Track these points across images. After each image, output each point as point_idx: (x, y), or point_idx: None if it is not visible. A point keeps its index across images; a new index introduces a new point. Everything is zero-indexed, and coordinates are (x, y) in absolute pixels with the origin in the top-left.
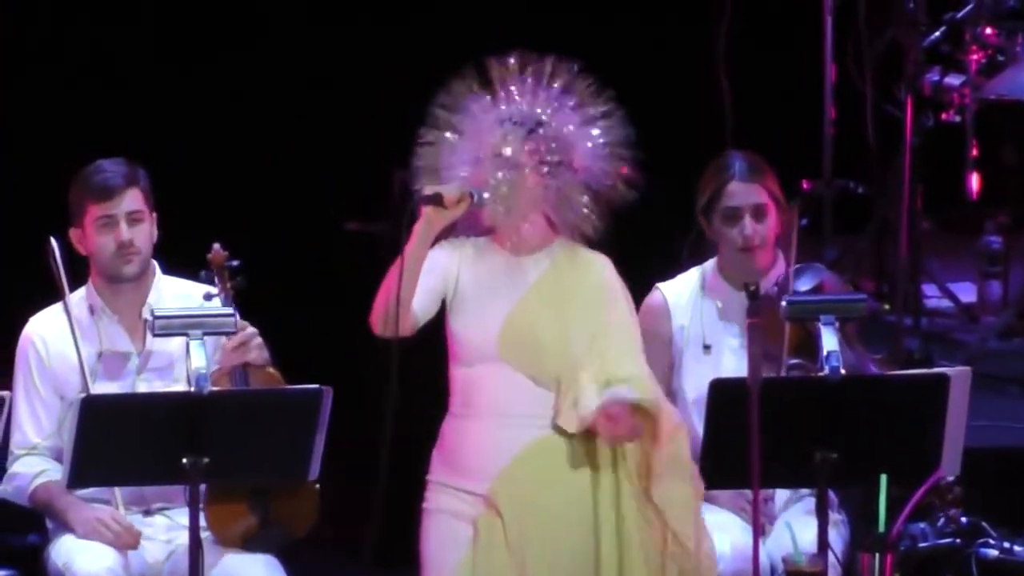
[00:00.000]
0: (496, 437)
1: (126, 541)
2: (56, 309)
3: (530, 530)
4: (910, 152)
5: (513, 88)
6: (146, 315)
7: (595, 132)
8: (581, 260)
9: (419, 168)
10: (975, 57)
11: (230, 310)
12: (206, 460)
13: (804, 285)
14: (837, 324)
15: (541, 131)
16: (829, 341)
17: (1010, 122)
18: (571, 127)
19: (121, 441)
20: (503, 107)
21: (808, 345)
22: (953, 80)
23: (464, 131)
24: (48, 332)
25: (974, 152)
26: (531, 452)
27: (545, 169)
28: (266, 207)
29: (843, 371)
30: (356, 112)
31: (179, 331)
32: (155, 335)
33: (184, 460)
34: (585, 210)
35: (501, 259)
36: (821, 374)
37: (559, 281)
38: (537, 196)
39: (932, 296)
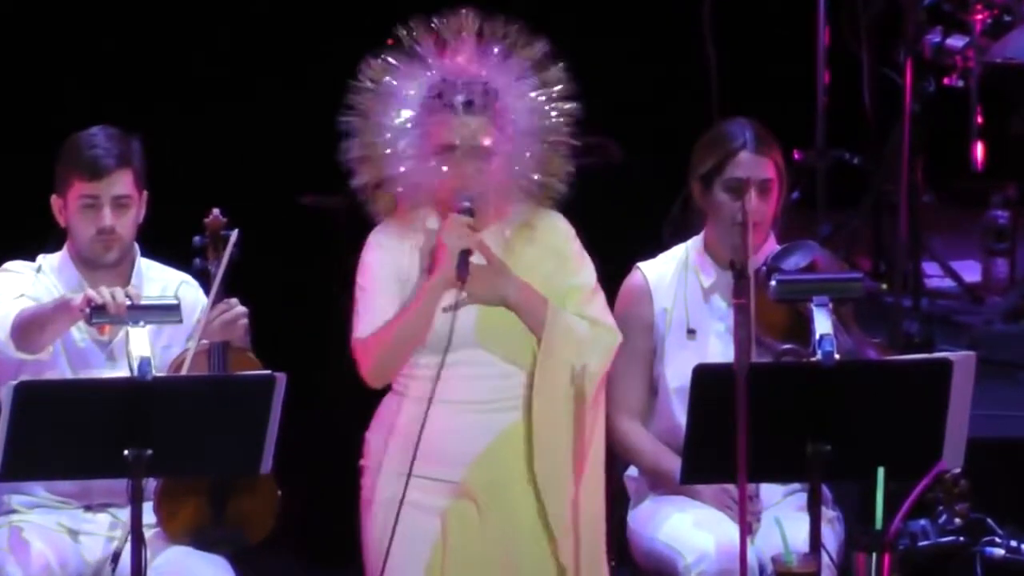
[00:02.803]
0: (468, 422)
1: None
2: None
3: (505, 517)
4: (910, 120)
5: (442, 51)
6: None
7: (533, 87)
8: (540, 225)
9: (354, 160)
10: (980, 17)
11: (175, 301)
12: (149, 452)
13: (796, 263)
14: (831, 305)
15: (486, 101)
16: (822, 324)
17: (1018, 87)
18: (511, 84)
19: (58, 431)
20: (435, 75)
21: (801, 329)
22: (956, 42)
23: (400, 114)
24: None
25: (979, 120)
26: (505, 437)
27: (509, 146)
28: (218, 180)
29: (837, 356)
30: (310, 83)
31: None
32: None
33: (126, 452)
34: (542, 174)
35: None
36: (814, 359)
37: (523, 253)
38: (507, 176)
39: (933, 275)
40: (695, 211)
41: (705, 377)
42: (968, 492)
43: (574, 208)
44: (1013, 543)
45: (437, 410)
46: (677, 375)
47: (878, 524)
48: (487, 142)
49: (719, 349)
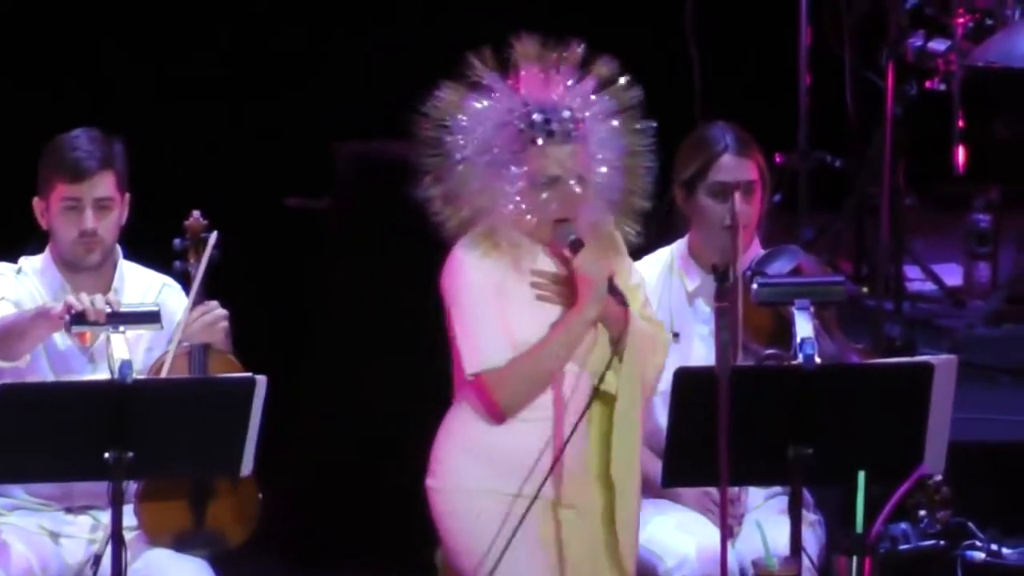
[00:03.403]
0: (548, 433)
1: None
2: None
3: (590, 523)
4: (892, 123)
5: (526, 80)
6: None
7: (609, 108)
8: (604, 237)
9: (439, 198)
10: (962, 21)
11: (155, 308)
12: (130, 454)
13: (780, 268)
14: (813, 309)
15: (573, 128)
16: (804, 327)
17: (999, 91)
18: (590, 107)
19: (39, 434)
20: (515, 105)
21: (784, 333)
22: (938, 45)
23: (486, 144)
24: None
25: (961, 123)
26: (583, 443)
27: (599, 170)
28: (204, 182)
29: (819, 360)
30: (298, 84)
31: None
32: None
33: (107, 455)
34: (627, 192)
35: (543, 257)
36: (795, 362)
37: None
38: (602, 200)
39: (915, 279)
40: (678, 215)
41: (687, 380)
42: (950, 499)
43: None
44: (994, 547)
45: (519, 425)
46: (661, 379)
47: (859, 528)
48: (584, 169)
49: (702, 352)
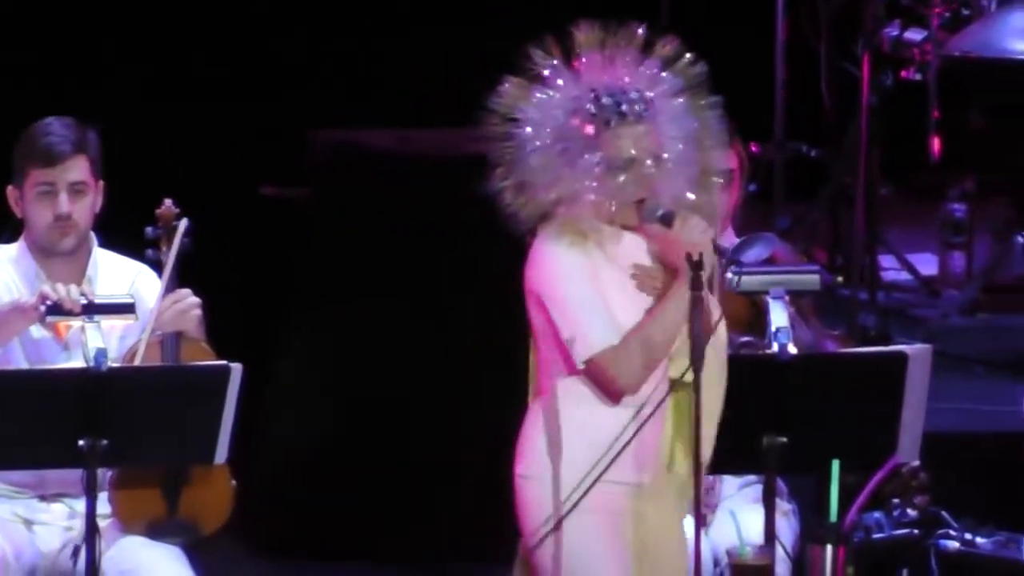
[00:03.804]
0: (654, 423)
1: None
2: None
3: (676, 510)
4: (867, 113)
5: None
6: (81, 289)
7: (676, 87)
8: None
9: (511, 187)
10: (938, 11)
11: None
12: (105, 442)
13: (754, 256)
14: (789, 298)
15: (643, 108)
16: (779, 316)
17: (975, 81)
18: (657, 87)
19: (13, 421)
20: (581, 91)
21: (760, 321)
22: (914, 35)
23: (559, 133)
24: None
25: (936, 113)
26: (668, 431)
27: (673, 149)
28: (180, 170)
29: (795, 349)
30: (273, 73)
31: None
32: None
33: (81, 442)
34: (702, 171)
35: (627, 240)
36: (769, 352)
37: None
38: (678, 178)
39: (890, 268)
40: None
41: None
42: (928, 484)
43: None
44: (968, 536)
45: (622, 413)
46: None
47: (833, 517)
48: (658, 148)
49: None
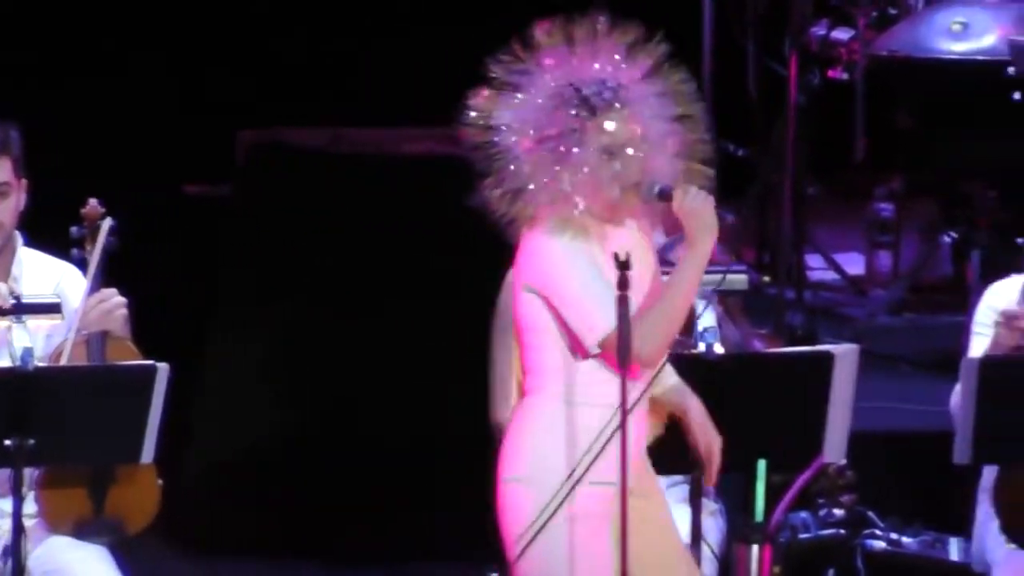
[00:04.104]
0: (638, 423)
1: None
2: None
3: (662, 510)
4: (795, 112)
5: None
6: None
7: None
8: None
9: (502, 195)
10: (865, 10)
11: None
12: (31, 442)
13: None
14: (715, 297)
15: (625, 95)
16: (706, 316)
17: (902, 80)
18: (634, 79)
19: None
20: (560, 86)
21: (687, 321)
22: (841, 34)
23: (544, 133)
24: None
25: (863, 112)
26: (647, 430)
27: (653, 135)
28: (104, 168)
29: (723, 348)
30: (200, 72)
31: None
32: None
33: (7, 442)
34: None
35: (608, 237)
36: (696, 351)
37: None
38: (663, 163)
39: (817, 267)
40: None
41: None
42: (854, 483)
43: (458, 199)
44: (894, 536)
45: (598, 413)
46: None
47: (759, 516)
48: (644, 129)
49: None
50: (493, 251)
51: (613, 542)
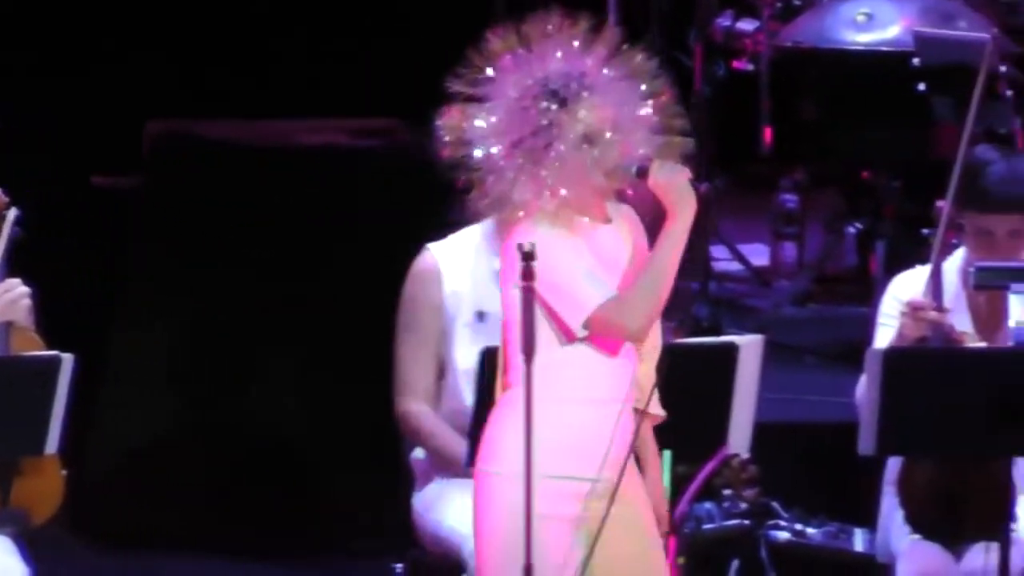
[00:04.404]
0: (599, 417)
1: None
2: None
3: (639, 509)
4: (700, 104)
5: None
6: None
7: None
8: (632, 223)
9: (489, 203)
10: (770, 1)
11: None
12: None
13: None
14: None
15: (591, 84)
16: None
17: (807, 71)
18: (599, 72)
19: None
20: (529, 87)
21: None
22: (746, 25)
23: (518, 136)
24: None
25: (768, 103)
26: (628, 429)
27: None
28: (10, 159)
29: None
30: (106, 60)
31: None
32: None
33: None
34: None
35: (589, 232)
36: None
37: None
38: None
39: (722, 259)
40: None
41: (492, 359)
42: (757, 477)
43: (362, 191)
44: (798, 526)
45: (575, 408)
46: (466, 358)
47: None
48: (616, 115)
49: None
50: (397, 242)
51: (583, 542)
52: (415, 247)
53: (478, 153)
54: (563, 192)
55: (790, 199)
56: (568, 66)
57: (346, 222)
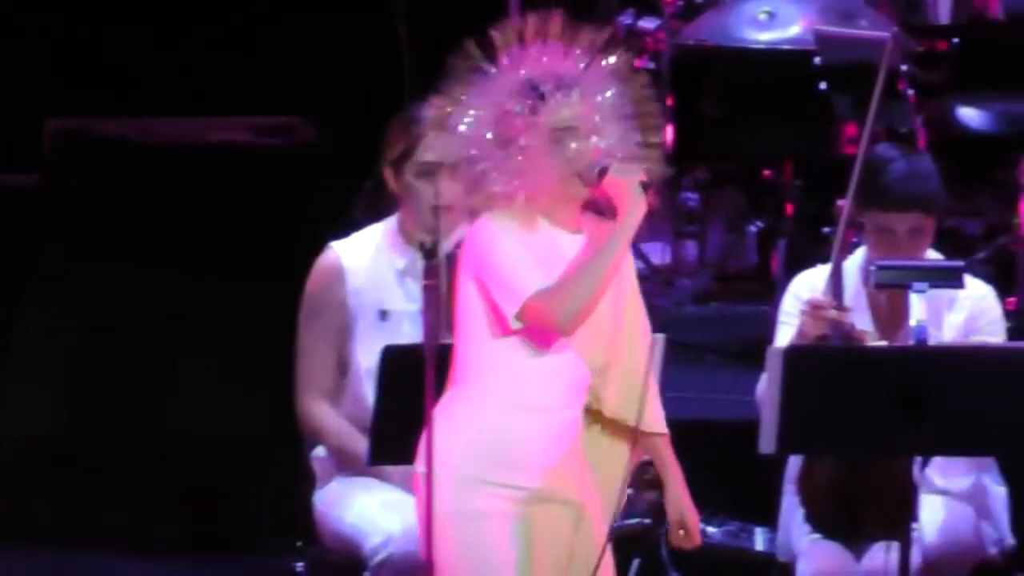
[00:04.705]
0: (556, 429)
1: None
2: None
3: (583, 518)
4: None
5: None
6: None
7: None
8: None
9: (479, 202)
10: None
11: None
12: None
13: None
14: None
15: (577, 82)
16: None
17: (709, 70)
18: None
19: None
20: (517, 86)
21: None
22: (648, 23)
23: (509, 133)
24: None
25: (670, 102)
26: (581, 443)
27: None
28: None
29: None
30: (3, 58)
31: None
32: None
33: None
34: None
35: (552, 234)
36: None
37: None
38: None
39: None
40: (388, 193)
41: (394, 357)
42: (656, 480)
43: (265, 188)
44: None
45: (517, 415)
46: (368, 356)
47: None
48: (597, 115)
49: (411, 331)
50: (300, 240)
51: (521, 544)
52: (318, 245)
53: (457, 144)
54: (529, 185)
55: (691, 198)
56: (549, 65)
57: (248, 220)
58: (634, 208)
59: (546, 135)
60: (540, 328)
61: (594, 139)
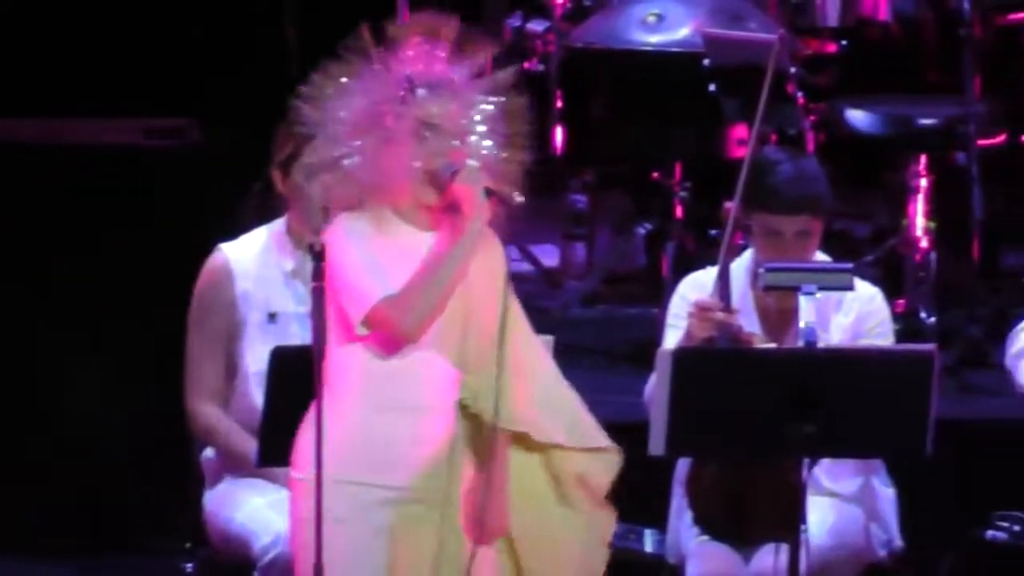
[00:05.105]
0: (423, 428)
1: None
2: None
3: (454, 520)
4: None
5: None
6: None
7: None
8: (489, 247)
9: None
10: (560, 1)
11: None
12: None
13: None
14: None
15: (449, 84)
16: None
17: (598, 72)
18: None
19: None
20: (394, 83)
21: None
22: (537, 26)
23: (385, 132)
24: None
25: (559, 104)
26: (451, 440)
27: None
28: None
29: None
30: None
31: None
32: None
33: None
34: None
35: (408, 235)
36: None
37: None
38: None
39: (513, 259)
40: (277, 195)
41: (283, 359)
42: None
43: (154, 190)
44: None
45: (382, 417)
46: (256, 359)
47: None
48: (465, 120)
49: (300, 333)
50: (189, 241)
51: (383, 547)
52: (207, 246)
53: (326, 140)
54: (388, 177)
55: (580, 200)
56: (431, 64)
57: (137, 221)
58: (477, 214)
59: (410, 127)
60: (385, 334)
61: (455, 142)
